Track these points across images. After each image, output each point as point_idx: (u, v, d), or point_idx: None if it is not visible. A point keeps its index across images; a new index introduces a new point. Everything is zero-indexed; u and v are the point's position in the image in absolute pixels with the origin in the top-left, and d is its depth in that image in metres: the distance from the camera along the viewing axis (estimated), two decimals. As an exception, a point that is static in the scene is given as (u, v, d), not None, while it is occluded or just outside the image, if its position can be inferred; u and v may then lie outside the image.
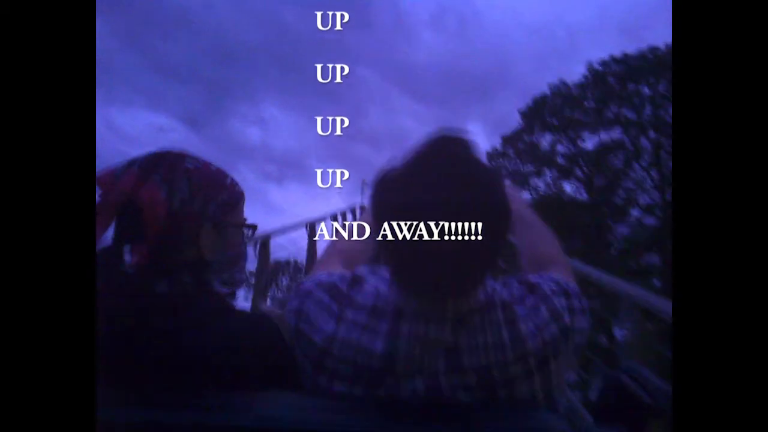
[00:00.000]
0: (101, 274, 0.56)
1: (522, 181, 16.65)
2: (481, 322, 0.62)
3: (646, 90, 15.17)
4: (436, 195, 0.54)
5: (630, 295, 2.30)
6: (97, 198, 0.66)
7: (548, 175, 16.90)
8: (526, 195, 16.68)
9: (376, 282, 0.68)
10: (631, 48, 15.60)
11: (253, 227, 0.79)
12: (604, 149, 15.78)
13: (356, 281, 0.69)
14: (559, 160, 16.69)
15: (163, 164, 0.69)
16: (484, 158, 0.60)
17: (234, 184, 0.76)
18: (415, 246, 0.54)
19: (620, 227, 15.37)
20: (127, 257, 0.68)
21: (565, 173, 16.54)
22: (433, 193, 0.54)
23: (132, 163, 0.69)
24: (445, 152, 0.58)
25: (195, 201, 0.69)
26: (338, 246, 0.86)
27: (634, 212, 15.28)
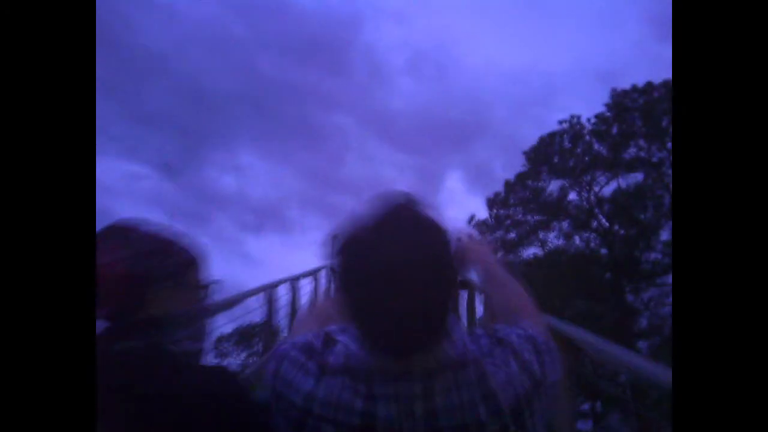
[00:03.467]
0: None
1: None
2: (453, 380, 0.63)
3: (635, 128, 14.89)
4: (392, 258, 0.57)
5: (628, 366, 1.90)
6: None
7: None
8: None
9: (348, 340, 0.69)
10: (605, 96, 15.77)
11: (207, 287, 0.81)
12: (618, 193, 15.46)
13: (330, 339, 0.70)
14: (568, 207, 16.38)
15: (115, 233, 0.74)
16: (433, 219, 0.63)
17: (184, 250, 0.80)
18: (374, 305, 0.58)
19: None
20: None
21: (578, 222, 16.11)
22: (388, 256, 0.57)
23: None
24: (398, 217, 0.61)
25: (145, 266, 0.73)
26: (314, 308, 0.89)
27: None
